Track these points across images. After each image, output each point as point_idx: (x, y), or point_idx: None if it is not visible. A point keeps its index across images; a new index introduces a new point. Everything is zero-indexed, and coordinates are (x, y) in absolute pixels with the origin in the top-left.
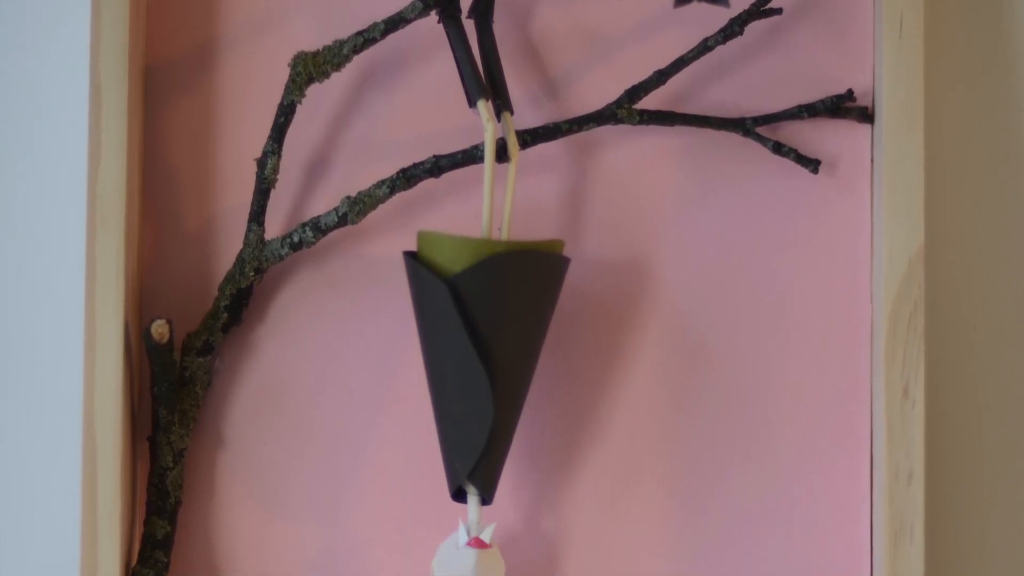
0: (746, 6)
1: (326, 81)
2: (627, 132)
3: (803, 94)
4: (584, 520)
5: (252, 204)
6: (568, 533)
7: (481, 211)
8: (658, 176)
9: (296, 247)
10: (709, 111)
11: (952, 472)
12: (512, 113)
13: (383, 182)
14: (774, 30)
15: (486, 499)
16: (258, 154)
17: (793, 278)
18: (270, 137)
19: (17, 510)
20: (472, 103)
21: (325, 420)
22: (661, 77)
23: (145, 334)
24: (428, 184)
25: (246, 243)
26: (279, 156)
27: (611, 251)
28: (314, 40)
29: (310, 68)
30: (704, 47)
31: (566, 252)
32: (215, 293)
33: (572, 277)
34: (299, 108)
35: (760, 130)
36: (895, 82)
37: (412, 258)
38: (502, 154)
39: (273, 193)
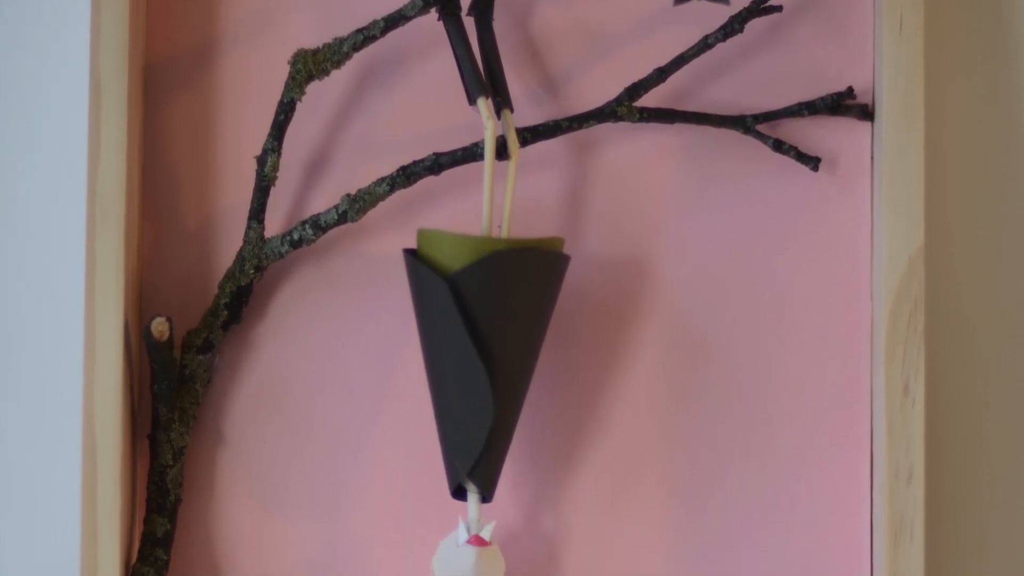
0: (746, 3)
1: (326, 79)
2: (627, 130)
3: (803, 91)
4: (584, 518)
5: (252, 202)
6: (568, 531)
7: (481, 209)
8: (658, 174)
9: (296, 245)
10: (709, 109)
11: (952, 470)
12: (512, 111)
13: (383, 180)
14: (774, 27)
15: (486, 497)
16: (258, 152)
17: (793, 276)
18: (270, 135)
19: (17, 508)
20: (472, 101)
21: (325, 418)
22: (661, 75)
23: (145, 332)
24: (428, 182)
25: (246, 241)
26: (279, 154)
27: (611, 249)
28: (314, 38)
29: (310, 66)
30: (704, 45)
31: (566, 250)
32: (215, 291)
33: (572, 275)
34: (299, 106)
35: (760, 128)
36: (895, 79)
37: (412, 256)
38: (502, 152)
39: (273, 191)
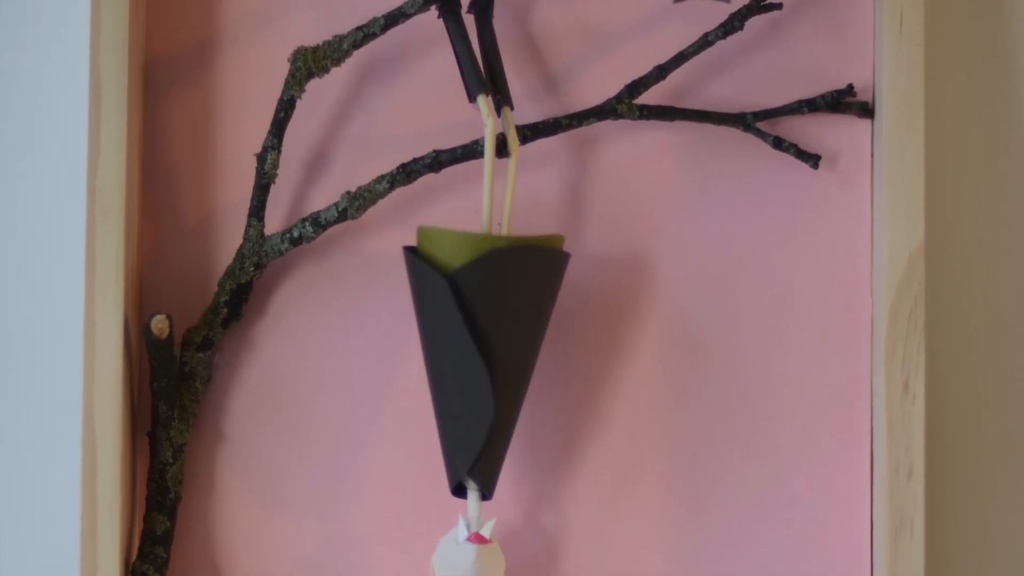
0: (746, 1)
1: (326, 76)
2: (627, 127)
3: (803, 89)
4: (584, 515)
5: (252, 199)
6: (568, 528)
7: (481, 206)
8: (658, 171)
9: (296, 242)
10: (709, 106)
11: (952, 467)
12: (512, 108)
13: (383, 177)
14: (774, 25)
15: (486, 494)
16: (258, 149)
17: (793, 273)
18: (270, 132)
19: (17, 505)
20: (472, 98)
21: (325, 415)
22: (661, 72)
23: (145, 329)
24: (428, 179)
25: (246, 238)
26: (279, 151)
27: (611, 246)
28: (314, 35)
29: (310, 63)
30: (704, 42)
31: (566, 247)
32: (215, 288)
33: (572, 272)
34: (299, 103)
35: (760, 125)
36: (895, 77)
37: (412, 253)
38: (502, 149)
39: (273, 188)
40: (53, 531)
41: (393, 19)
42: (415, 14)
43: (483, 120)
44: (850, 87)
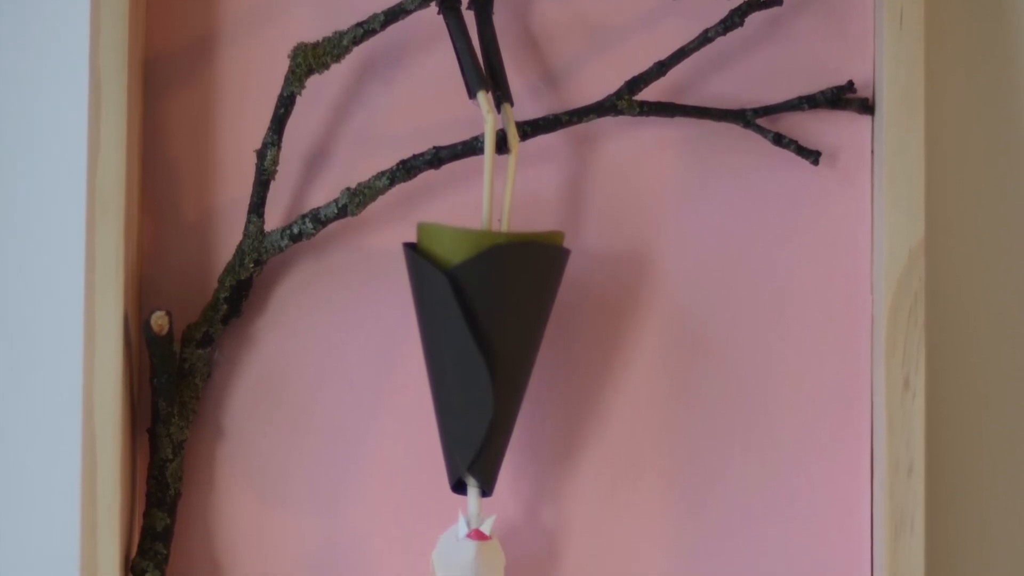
0: None
1: (326, 72)
2: (627, 123)
3: (803, 85)
4: (584, 512)
5: (252, 196)
6: (568, 525)
7: (481, 202)
8: (658, 168)
9: (296, 239)
10: (709, 102)
11: (952, 464)
12: (512, 104)
13: (383, 173)
14: (774, 21)
15: (486, 491)
16: (258, 146)
17: (793, 270)
18: (270, 128)
19: (17, 502)
20: (472, 94)
21: (325, 412)
22: (661, 68)
23: (145, 326)
24: (428, 175)
25: (246, 235)
26: (279, 148)
27: (611, 242)
28: (314, 31)
29: (310, 59)
30: (704, 38)
31: (566, 244)
32: (215, 285)
33: (572, 269)
34: (299, 99)
35: (760, 121)
36: (895, 73)
37: (412, 249)
38: (502, 145)
39: (273, 185)
40: (53, 527)
41: (393, 15)
42: (415, 10)
43: (483, 116)
44: (850, 83)
